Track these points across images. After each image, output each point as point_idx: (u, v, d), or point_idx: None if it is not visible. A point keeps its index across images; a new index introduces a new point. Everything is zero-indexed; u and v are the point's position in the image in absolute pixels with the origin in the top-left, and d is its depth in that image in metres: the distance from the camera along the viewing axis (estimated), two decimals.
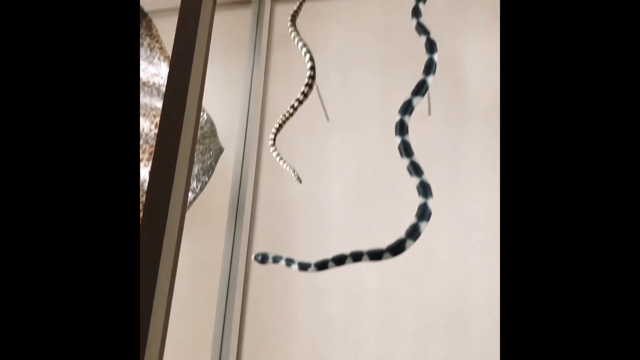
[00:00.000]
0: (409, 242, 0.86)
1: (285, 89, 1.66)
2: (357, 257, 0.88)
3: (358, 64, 1.62)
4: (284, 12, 1.76)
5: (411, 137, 1.07)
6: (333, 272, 1.41)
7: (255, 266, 1.49)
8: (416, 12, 1.17)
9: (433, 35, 1.10)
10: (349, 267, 1.39)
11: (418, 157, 0.99)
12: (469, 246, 1.36)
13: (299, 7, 1.37)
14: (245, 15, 1.76)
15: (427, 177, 0.96)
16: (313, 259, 1.04)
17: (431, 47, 1.11)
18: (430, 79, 1.09)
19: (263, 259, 1.05)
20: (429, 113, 1.39)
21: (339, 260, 0.90)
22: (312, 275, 1.43)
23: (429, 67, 1.09)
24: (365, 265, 1.38)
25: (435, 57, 1.11)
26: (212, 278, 1.53)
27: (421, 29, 1.14)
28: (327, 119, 1.52)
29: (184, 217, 0.79)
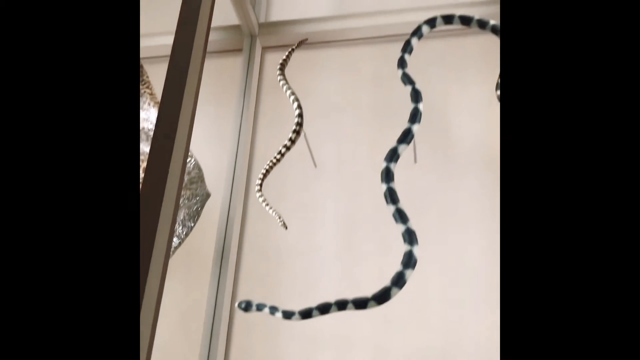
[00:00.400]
0: (394, 290, 0.85)
1: (274, 135, 1.67)
2: (341, 305, 0.87)
3: (345, 112, 1.64)
4: (274, 60, 1.79)
5: (397, 185, 1.08)
6: (322, 320, 1.39)
7: (240, 314, 1.46)
8: (402, 63, 1.20)
9: (418, 85, 1.13)
10: (338, 316, 1.37)
11: (404, 204, 1.00)
12: (457, 293, 1.35)
13: (288, 56, 1.40)
14: (236, 62, 1.79)
15: (413, 224, 0.96)
16: (299, 307, 1.03)
17: (416, 96, 1.13)
18: (415, 128, 1.11)
19: (247, 306, 1.04)
20: (415, 160, 1.41)
21: (324, 308, 0.89)
22: (299, 323, 1.41)
23: (414, 116, 1.11)
24: (355, 313, 1.36)
25: (421, 106, 1.13)
26: (195, 326, 1.49)
27: (407, 79, 1.16)
28: (315, 165, 1.53)
29: (167, 263, 0.78)
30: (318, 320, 1.39)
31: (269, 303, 1.20)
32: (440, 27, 1.29)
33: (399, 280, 0.85)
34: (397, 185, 1.16)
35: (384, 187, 1.02)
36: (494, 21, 1.23)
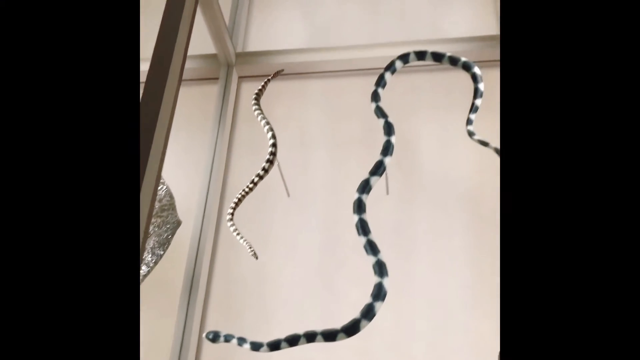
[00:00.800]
0: (363, 322, 0.85)
1: (248, 164, 1.67)
2: (310, 337, 0.87)
3: (319, 143, 1.66)
4: (250, 90, 1.80)
5: (369, 216, 1.09)
6: (291, 352, 1.37)
7: (208, 345, 1.43)
8: (375, 97, 1.22)
9: (392, 119, 1.15)
10: (309, 347, 1.35)
11: (376, 236, 1.01)
12: (427, 325, 1.35)
13: (264, 86, 1.41)
14: (212, 90, 1.80)
15: (384, 256, 0.96)
16: (268, 337, 1.01)
17: (389, 129, 1.15)
18: (387, 160, 1.12)
19: (214, 337, 1.02)
20: (387, 192, 1.42)
21: (292, 340, 0.88)
22: (268, 355, 1.38)
23: (387, 149, 1.12)
24: (324, 345, 1.35)
25: (393, 139, 1.14)
26: (162, 356, 1.46)
27: (380, 112, 1.18)
28: (288, 195, 1.53)
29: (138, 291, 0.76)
30: (288, 352, 1.37)
31: (238, 333, 1.18)
32: (414, 62, 1.33)
33: (368, 313, 0.85)
34: (368, 216, 1.17)
35: (355, 218, 1.03)
36: (465, 58, 1.26)
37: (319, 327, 1.31)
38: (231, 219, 1.24)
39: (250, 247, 1.20)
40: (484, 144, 1.27)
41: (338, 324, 1.28)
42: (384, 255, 0.98)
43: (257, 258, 1.21)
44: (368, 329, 1.28)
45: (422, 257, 1.44)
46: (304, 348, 1.35)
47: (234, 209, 1.24)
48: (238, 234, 1.23)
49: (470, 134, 1.26)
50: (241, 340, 0.97)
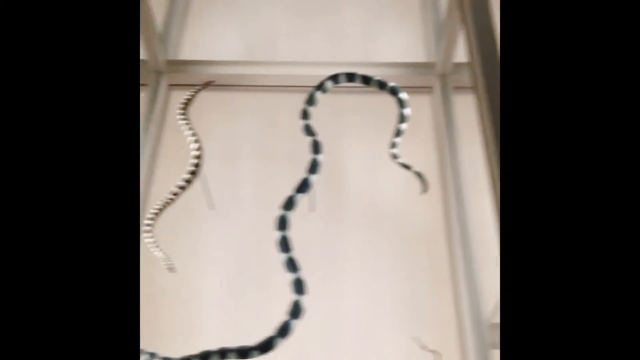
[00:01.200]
0: (278, 339, 0.84)
1: (173, 174, 1.63)
2: (223, 354, 0.85)
3: (247, 156, 1.65)
4: (179, 98, 1.77)
5: (293, 233, 1.09)
6: None
7: None
8: (304, 115, 1.23)
9: (321, 137, 1.17)
10: None
11: (298, 253, 1.01)
12: (342, 347, 1.36)
13: (192, 96, 1.39)
14: (140, 97, 1.75)
15: (306, 274, 0.97)
16: (182, 353, 0.99)
17: (316, 148, 1.16)
18: (313, 178, 1.13)
19: None
20: (313, 210, 1.43)
21: (205, 356, 0.87)
22: None
23: (314, 167, 1.14)
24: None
25: (320, 157, 1.16)
26: None
27: (308, 130, 1.20)
28: (211, 207, 1.50)
29: None
30: None
31: (156, 349, 1.14)
32: (344, 83, 1.35)
33: (284, 330, 0.85)
34: (292, 233, 1.17)
35: (277, 234, 1.03)
36: (393, 83, 1.30)
37: (237, 343, 1.29)
38: (149, 230, 1.20)
39: (166, 260, 1.17)
40: (407, 167, 1.31)
41: (254, 340, 1.26)
42: (304, 274, 0.98)
43: (173, 271, 1.18)
44: (296, 348, 1.28)
45: (348, 276, 1.46)
46: None
47: (153, 219, 1.20)
48: (157, 245, 1.19)
49: (394, 156, 1.30)
50: (152, 355, 0.94)
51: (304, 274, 0.96)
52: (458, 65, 1.61)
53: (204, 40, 1.93)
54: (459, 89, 1.63)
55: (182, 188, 1.19)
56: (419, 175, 1.31)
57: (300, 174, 1.59)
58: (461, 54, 1.39)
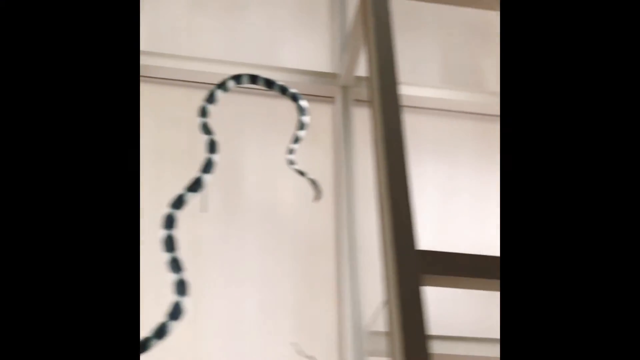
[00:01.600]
0: (153, 341, 0.81)
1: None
2: None
3: (142, 150, 1.58)
4: None
5: (181, 233, 1.06)
6: None
7: None
8: (203, 112, 1.20)
9: (218, 137, 1.15)
10: None
11: (185, 254, 0.98)
12: (236, 347, 1.34)
13: None
14: None
15: (192, 274, 0.94)
16: None
17: (212, 147, 1.14)
18: (207, 177, 1.11)
19: None
20: (205, 210, 1.40)
21: None
22: None
23: (207, 166, 1.11)
24: None
25: (215, 157, 1.14)
26: None
27: (205, 129, 1.17)
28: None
29: None
30: None
31: None
32: (247, 84, 1.34)
33: (160, 332, 0.82)
34: (180, 233, 1.13)
35: (163, 233, 0.99)
36: (295, 90, 1.31)
37: None
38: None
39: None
40: (302, 173, 1.33)
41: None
42: (187, 275, 0.95)
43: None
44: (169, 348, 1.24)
45: (240, 279, 1.44)
46: None
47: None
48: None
49: (290, 162, 1.31)
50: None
51: (187, 275, 0.94)
52: (360, 79, 1.65)
53: None
54: (360, 101, 1.67)
55: None
56: (313, 182, 1.33)
57: (195, 172, 1.56)
58: (364, 67, 1.43)
